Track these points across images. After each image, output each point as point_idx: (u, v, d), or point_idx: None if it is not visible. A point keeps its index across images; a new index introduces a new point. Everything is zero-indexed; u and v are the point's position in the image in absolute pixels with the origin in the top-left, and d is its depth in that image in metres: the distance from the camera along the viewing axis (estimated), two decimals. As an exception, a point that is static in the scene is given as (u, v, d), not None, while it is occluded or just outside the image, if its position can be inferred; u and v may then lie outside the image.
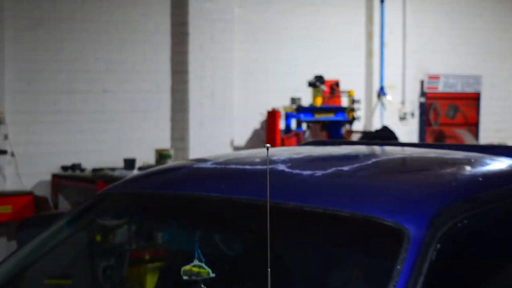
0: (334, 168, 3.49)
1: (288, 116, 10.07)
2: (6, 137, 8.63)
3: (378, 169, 3.73)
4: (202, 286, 3.43)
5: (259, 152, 4.07)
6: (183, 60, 9.75)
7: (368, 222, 2.85)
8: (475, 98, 12.28)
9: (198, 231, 3.50)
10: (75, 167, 8.96)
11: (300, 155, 3.91)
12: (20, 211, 8.12)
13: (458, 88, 12.13)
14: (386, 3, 11.21)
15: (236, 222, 3.45)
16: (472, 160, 3.58)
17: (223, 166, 3.85)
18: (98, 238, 4.30)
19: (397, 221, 2.78)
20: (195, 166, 3.89)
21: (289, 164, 3.44)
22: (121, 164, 8.83)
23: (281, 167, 3.35)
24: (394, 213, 2.86)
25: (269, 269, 2.19)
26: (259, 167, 3.54)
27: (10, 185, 8.60)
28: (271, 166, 3.23)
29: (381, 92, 11.42)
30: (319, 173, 3.38)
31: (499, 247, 3.34)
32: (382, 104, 11.43)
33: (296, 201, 2.99)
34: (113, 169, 8.54)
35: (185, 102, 9.76)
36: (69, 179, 8.84)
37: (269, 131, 10.10)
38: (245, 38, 10.22)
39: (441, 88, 12.00)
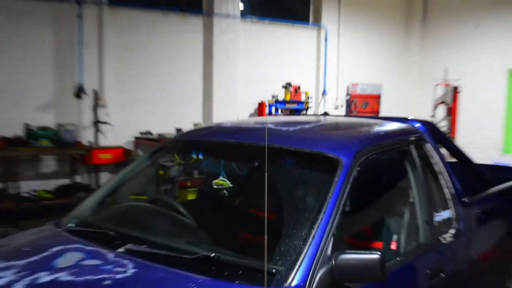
0: (299, 126, 3.54)
1: (270, 106, 10.09)
2: (107, 114, 8.63)
3: (325, 127, 3.78)
4: (224, 192, 3.51)
5: (258, 119, 4.13)
6: (210, 71, 9.70)
7: (320, 155, 2.92)
8: (378, 98, 12.24)
9: (222, 161, 3.58)
10: (147, 133, 8.97)
11: (281, 120, 3.96)
12: (116, 158, 8.15)
13: (369, 91, 12.08)
14: (328, 41, 11.19)
15: (245, 156, 3.48)
16: (378, 123, 3.62)
17: (237, 125, 3.89)
18: (161, 171, 4.35)
19: (335, 155, 2.86)
20: (219, 126, 3.92)
21: (275, 124, 3.50)
22: (173, 131, 8.85)
23: (270, 125, 3.40)
24: (334, 150, 2.92)
25: (266, 181, 2.26)
26: (258, 125, 3.60)
27: (110, 143, 8.60)
28: (264, 125, 3.31)
29: (324, 93, 11.37)
30: (291, 128, 3.45)
31: (392, 172, 3.42)
32: (324, 100, 11.41)
33: (279, 144, 3.04)
34: (169, 134, 8.56)
35: (210, 95, 9.74)
36: (144, 139, 8.83)
37: (259, 114, 10.19)
38: (247, 59, 10.17)
39: (358, 91, 11.96)
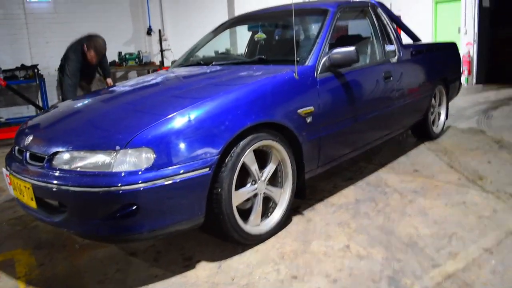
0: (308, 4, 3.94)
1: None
2: (168, 44, 9.03)
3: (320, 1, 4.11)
4: (261, 38, 3.94)
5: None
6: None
7: (320, 8, 3.36)
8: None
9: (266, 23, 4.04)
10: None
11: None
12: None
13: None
14: None
15: (277, 18, 3.90)
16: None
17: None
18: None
19: (327, 7, 3.35)
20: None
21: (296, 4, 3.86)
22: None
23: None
24: (327, 5, 3.39)
25: (293, 22, 2.80)
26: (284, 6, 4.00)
27: (170, 62, 8.93)
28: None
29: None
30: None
31: (359, 21, 3.91)
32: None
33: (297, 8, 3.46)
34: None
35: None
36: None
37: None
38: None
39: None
